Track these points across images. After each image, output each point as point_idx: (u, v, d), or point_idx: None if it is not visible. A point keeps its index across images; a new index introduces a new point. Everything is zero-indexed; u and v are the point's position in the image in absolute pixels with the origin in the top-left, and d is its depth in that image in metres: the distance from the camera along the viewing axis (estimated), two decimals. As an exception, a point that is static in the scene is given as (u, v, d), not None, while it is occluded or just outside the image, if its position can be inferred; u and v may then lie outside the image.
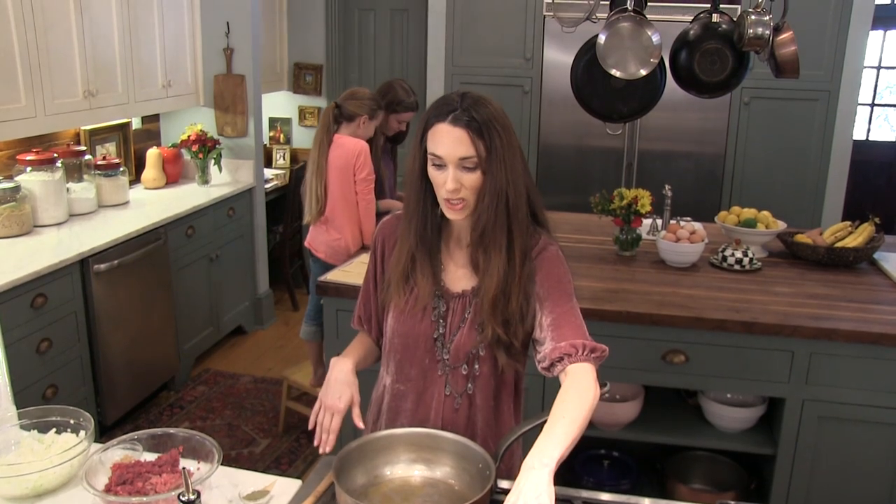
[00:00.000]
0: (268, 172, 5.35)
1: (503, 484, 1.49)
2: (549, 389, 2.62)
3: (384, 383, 1.73)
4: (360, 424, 1.60)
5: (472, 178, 1.48)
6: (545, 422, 1.42)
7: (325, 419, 1.58)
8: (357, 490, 1.46)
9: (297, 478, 1.65)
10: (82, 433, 1.63)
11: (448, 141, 1.47)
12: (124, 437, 1.60)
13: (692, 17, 3.20)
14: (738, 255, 2.93)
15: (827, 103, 4.83)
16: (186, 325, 4.16)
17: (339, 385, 1.60)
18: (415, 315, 1.61)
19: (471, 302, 1.60)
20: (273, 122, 5.91)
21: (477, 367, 1.61)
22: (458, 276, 1.62)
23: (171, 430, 1.61)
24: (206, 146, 4.51)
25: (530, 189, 1.57)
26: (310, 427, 1.61)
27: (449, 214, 1.54)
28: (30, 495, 1.51)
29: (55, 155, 3.58)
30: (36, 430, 1.65)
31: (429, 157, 1.50)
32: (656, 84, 3.17)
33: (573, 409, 1.41)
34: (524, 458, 1.36)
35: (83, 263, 3.26)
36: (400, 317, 1.63)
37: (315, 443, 1.58)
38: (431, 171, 1.51)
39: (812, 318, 2.47)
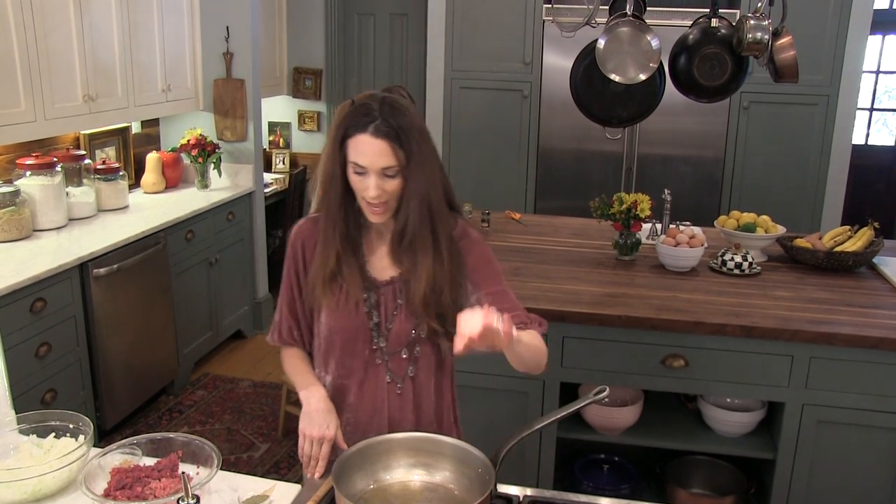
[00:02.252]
0: (267, 177, 5.35)
1: (503, 489, 1.49)
2: (547, 393, 2.62)
3: (322, 384, 1.73)
4: (345, 446, 1.61)
5: (394, 184, 1.54)
6: (545, 426, 1.46)
7: (315, 449, 1.61)
8: (356, 494, 1.46)
9: (297, 482, 1.65)
10: (81, 437, 1.62)
11: (370, 152, 1.51)
12: (123, 441, 1.60)
13: (691, 22, 3.21)
14: (738, 259, 2.93)
15: (826, 108, 4.83)
16: (186, 329, 4.16)
17: (321, 414, 1.64)
18: (349, 310, 1.65)
19: (400, 288, 1.65)
20: (272, 126, 5.92)
21: (418, 348, 1.67)
22: (384, 265, 1.67)
23: (171, 435, 1.61)
24: (205, 150, 4.51)
25: (445, 183, 1.64)
26: (301, 459, 1.64)
27: (372, 218, 1.60)
28: (29, 500, 1.51)
29: (55, 159, 3.58)
30: (35, 435, 1.65)
31: (350, 164, 1.55)
32: (655, 88, 3.18)
33: (532, 335, 1.57)
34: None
35: (82, 268, 3.26)
36: (334, 314, 1.66)
37: (308, 473, 1.61)
38: (353, 177, 1.56)
39: (811, 323, 2.47)
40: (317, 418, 1.63)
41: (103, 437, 3.49)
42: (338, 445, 1.63)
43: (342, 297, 1.64)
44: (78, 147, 4.05)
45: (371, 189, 1.52)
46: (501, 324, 1.38)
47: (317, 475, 1.60)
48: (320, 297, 1.66)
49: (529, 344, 1.56)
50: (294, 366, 1.77)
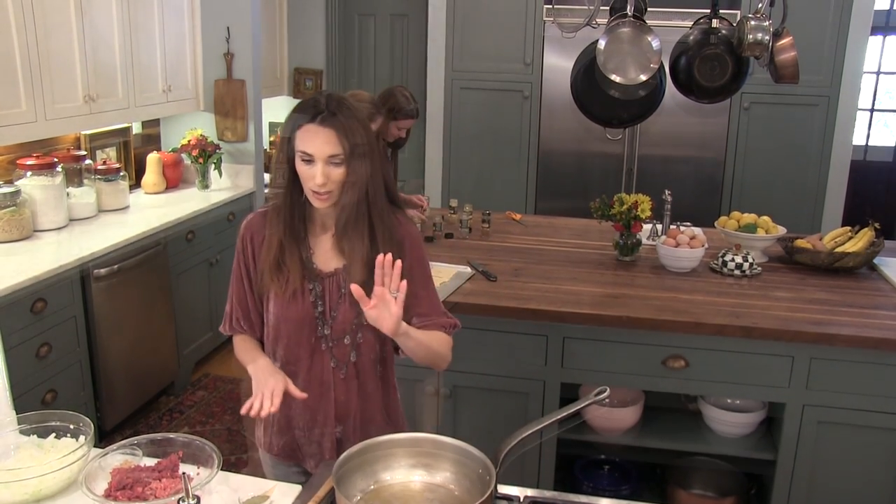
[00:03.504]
0: (267, 177, 5.34)
1: (503, 489, 1.49)
2: (548, 394, 2.62)
3: None
4: (300, 394, 1.69)
5: (338, 173, 1.63)
6: (546, 426, 1.47)
7: (266, 395, 1.65)
8: (357, 495, 1.45)
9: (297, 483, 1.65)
10: (82, 438, 1.62)
11: (318, 140, 1.61)
12: (124, 441, 1.60)
13: (692, 23, 3.21)
14: (738, 260, 2.93)
15: (826, 108, 4.84)
16: (186, 329, 4.16)
17: (268, 373, 1.72)
18: (295, 299, 1.73)
19: (344, 279, 1.73)
20: (273, 126, 5.92)
21: (360, 335, 1.76)
22: (328, 258, 1.76)
23: (171, 435, 1.61)
24: (206, 151, 4.51)
25: (386, 177, 1.75)
26: (243, 412, 1.66)
27: (316, 204, 1.67)
28: (29, 501, 1.50)
29: (55, 160, 3.58)
30: (35, 435, 1.65)
31: (298, 153, 1.64)
32: (656, 89, 3.18)
33: (432, 337, 1.74)
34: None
35: (83, 268, 3.26)
36: (281, 303, 1.74)
37: (262, 411, 1.63)
38: (300, 166, 1.65)
39: (812, 324, 2.47)
40: (263, 377, 1.70)
41: (104, 438, 3.48)
42: (293, 395, 1.68)
43: (288, 285, 1.72)
44: (78, 147, 4.05)
45: (318, 176, 1.61)
46: (395, 306, 1.55)
47: (272, 409, 1.63)
48: (268, 284, 1.74)
49: (424, 344, 1.71)
50: (242, 349, 1.85)
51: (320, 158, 1.61)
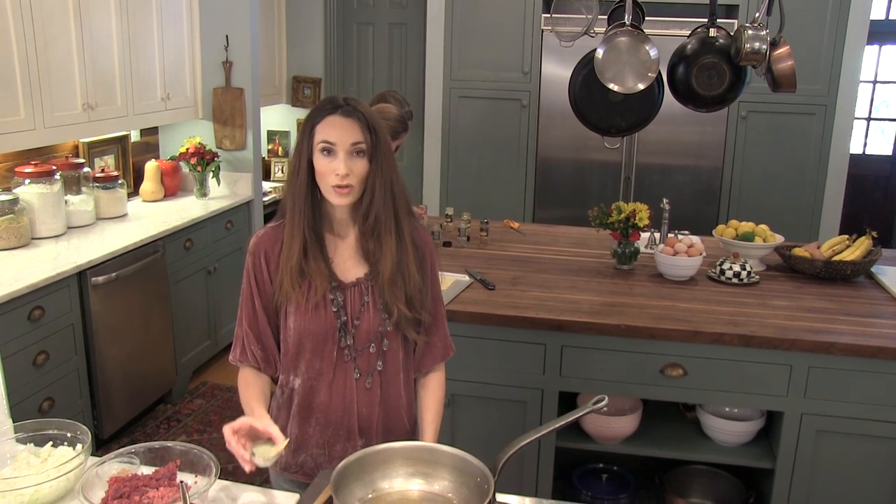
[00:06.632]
0: (266, 185, 5.35)
1: (501, 498, 1.49)
2: (546, 402, 2.62)
3: (291, 387, 1.75)
4: (273, 435, 1.54)
5: (360, 165, 1.61)
6: (544, 435, 1.47)
7: (235, 446, 1.50)
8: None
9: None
10: (79, 446, 1.62)
11: (340, 129, 1.60)
12: (121, 450, 1.59)
13: (690, 32, 3.22)
14: (736, 268, 2.93)
15: (824, 117, 4.85)
16: (184, 337, 4.15)
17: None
18: (318, 310, 1.67)
19: (366, 287, 1.70)
20: (271, 135, 5.93)
21: (386, 342, 1.72)
22: (348, 267, 1.71)
23: (169, 444, 1.61)
24: (204, 159, 4.51)
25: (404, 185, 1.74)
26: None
27: (336, 201, 1.63)
28: (26, 509, 1.50)
29: (54, 167, 3.59)
30: (32, 444, 1.64)
31: (319, 146, 1.60)
32: (654, 98, 3.19)
33: (438, 402, 1.82)
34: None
35: (81, 276, 3.25)
36: (303, 314, 1.68)
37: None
38: (321, 160, 1.60)
39: (810, 332, 2.47)
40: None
41: (101, 447, 3.47)
42: (267, 435, 1.53)
43: (310, 293, 1.66)
44: (77, 155, 4.05)
45: (341, 167, 1.58)
46: None
47: (246, 468, 1.50)
48: (289, 292, 1.66)
49: (440, 416, 1.82)
50: (246, 396, 1.70)
51: (343, 147, 1.58)
